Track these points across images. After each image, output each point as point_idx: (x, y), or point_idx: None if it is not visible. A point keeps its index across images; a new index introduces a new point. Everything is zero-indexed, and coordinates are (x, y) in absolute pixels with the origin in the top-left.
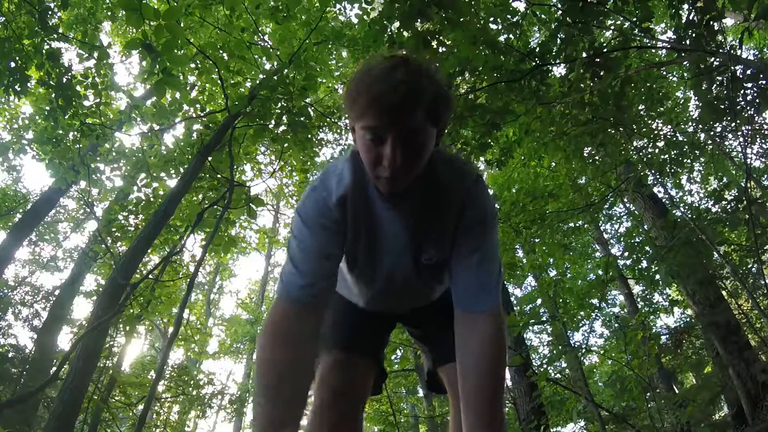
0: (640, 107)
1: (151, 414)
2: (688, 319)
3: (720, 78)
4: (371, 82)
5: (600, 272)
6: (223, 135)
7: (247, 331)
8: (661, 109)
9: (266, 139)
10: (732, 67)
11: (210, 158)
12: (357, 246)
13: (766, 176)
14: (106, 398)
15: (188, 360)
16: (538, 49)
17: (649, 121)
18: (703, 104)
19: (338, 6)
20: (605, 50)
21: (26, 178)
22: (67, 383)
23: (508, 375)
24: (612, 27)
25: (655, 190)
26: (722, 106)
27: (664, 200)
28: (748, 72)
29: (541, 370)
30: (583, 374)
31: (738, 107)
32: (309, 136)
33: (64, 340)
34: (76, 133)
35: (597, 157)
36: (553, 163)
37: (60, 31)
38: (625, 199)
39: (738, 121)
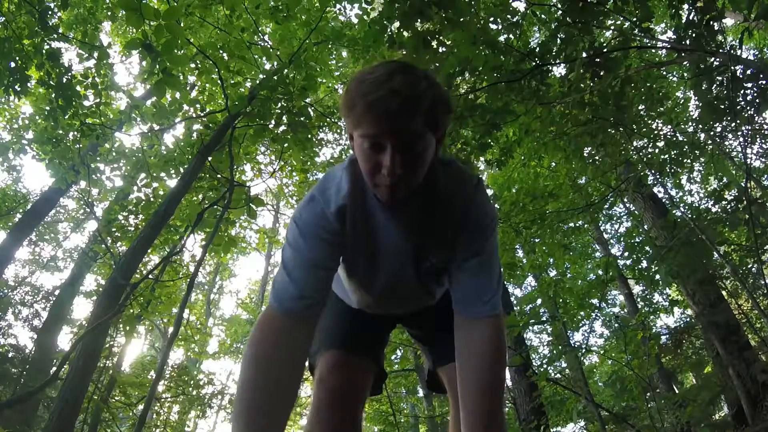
0: (640, 107)
1: (151, 414)
2: (688, 319)
3: (720, 78)
4: (368, 88)
5: (600, 272)
6: (223, 135)
7: (247, 331)
8: (661, 109)
9: (266, 139)
10: (732, 67)
11: (210, 158)
12: (357, 255)
13: (766, 176)
14: (106, 398)
15: (188, 360)
16: (538, 49)
17: (649, 121)
18: (703, 104)
19: (338, 6)
20: (605, 50)
21: (26, 178)
22: (67, 383)
23: (508, 375)
24: (612, 27)
25: (655, 190)
26: (722, 106)
27: (664, 200)
28: (748, 72)
29: (541, 370)
30: (583, 374)
31: (738, 107)
32: (309, 136)
33: (64, 340)
34: (76, 133)
35: (597, 157)
36: (553, 163)
37: (60, 31)
38: (625, 199)
39: (738, 121)
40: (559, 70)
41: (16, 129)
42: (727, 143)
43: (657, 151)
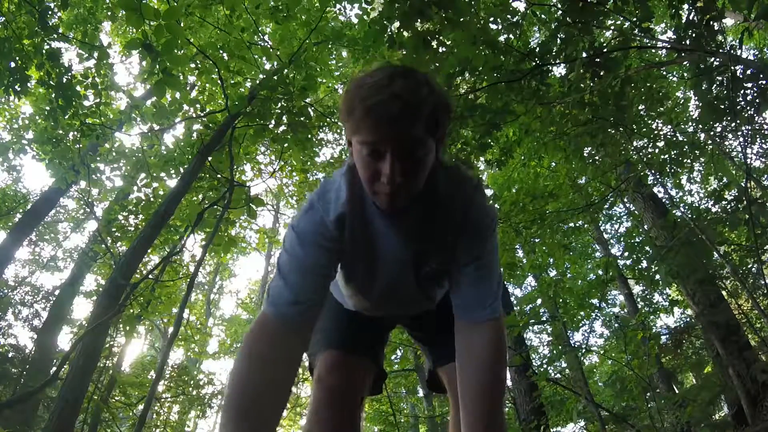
0: (640, 107)
1: (151, 414)
2: (688, 319)
3: (720, 78)
4: (368, 92)
5: (600, 272)
6: (223, 135)
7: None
8: (661, 109)
9: (266, 139)
10: (732, 67)
11: (210, 158)
12: (355, 262)
13: (766, 176)
14: (106, 398)
15: (188, 360)
16: (538, 49)
17: (649, 121)
18: (703, 104)
19: (338, 6)
20: (605, 50)
21: (26, 178)
22: (67, 383)
23: (508, 375)
24: (612, 27)
25: (655, 190)
26: (722, 106)
27: (664, 200)
28: (748, 72)
29: (541, 370)
30: (583, 374)
31: (738, 107)
32: (309, 136)
33: (64, 340)
34: (76, 133)
35: (597, 157)
36: (553, 163)
37: (60, 31)
38: (625, 199)
39: (738, 121)
40: (559, 70)
41: (16, 129)
42: (727, 143)
43: (657, 151)
